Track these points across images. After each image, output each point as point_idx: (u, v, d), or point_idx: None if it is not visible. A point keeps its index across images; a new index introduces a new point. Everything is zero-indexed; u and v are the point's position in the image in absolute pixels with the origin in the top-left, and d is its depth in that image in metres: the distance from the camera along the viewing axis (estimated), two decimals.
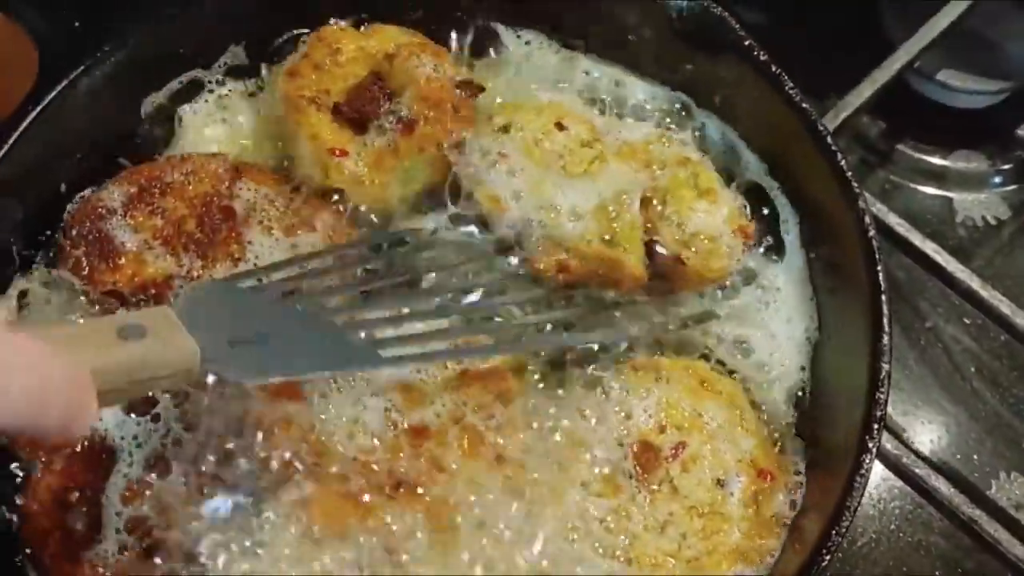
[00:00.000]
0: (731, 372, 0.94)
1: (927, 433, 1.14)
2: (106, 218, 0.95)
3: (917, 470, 0.91)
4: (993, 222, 1.27)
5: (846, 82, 1.13)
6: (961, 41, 1.23)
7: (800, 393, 0.94)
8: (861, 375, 0.85)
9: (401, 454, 0.85)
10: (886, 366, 0.84)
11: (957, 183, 1.30)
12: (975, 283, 1.01)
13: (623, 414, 0.89)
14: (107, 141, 1.00)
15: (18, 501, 0.86)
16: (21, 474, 0.87)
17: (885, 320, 0.86)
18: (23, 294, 0.94)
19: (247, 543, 0.81)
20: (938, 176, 1.31)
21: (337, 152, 0.98)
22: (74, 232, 0.95)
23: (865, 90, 1.10)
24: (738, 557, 0.84)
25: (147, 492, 0.82)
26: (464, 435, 0.86)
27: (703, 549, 0.84)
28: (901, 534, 1.08)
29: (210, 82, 1.05)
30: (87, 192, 0.98)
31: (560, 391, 0.90)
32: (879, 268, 0.88)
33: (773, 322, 0.96)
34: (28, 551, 0.85)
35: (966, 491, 0.93)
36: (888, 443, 0.91)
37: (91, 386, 0.63)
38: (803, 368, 0.94)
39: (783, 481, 0.88)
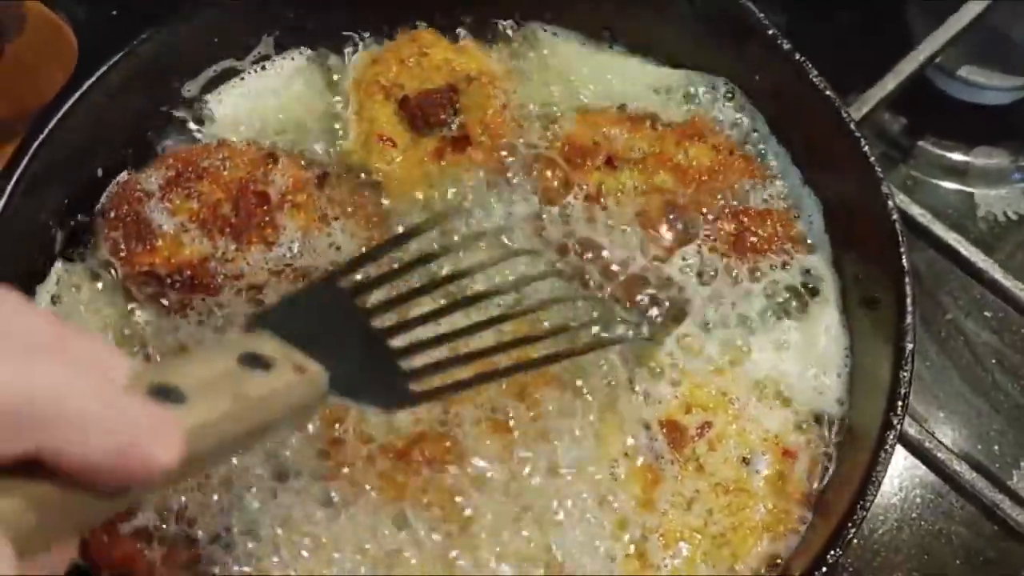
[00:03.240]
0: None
1: (948, 424, 1.14)
2: (144, 201, 0.97)
3: (939, 454, 0.92)
4: (1014, 217, 1.28)
5: (869, 78, 1.14)
6: (983, 37, 1.24)
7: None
8: (886, 356, 0.87)
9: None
10: (910, 345, 0.86)
11: (979, 179, 1.31)
12: (998, 273, 1.02)
13: (649, 395, 0.90)
14: (143, 127, 1.02)
15: None
16: None
17: (909, 300, 0.88)
18: (63, 276, 0.96)
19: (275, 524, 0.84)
20: (960, 172, 1.32)
21: (386, 139, 1.01)
22: (112, 214, 0.97)
23: (888, 84, 1.11)
24: (764, 532, 0.86)
25: None
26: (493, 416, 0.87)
27: (729, 525, 0.86)
28: (923, 522, 1.09)
29: (243, 71, 1.07)
30: (124, 175, 1.00)
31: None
32: (902, 250, 0.89)
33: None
34: None
35: (988, 478, 0.94)
36: (911, 428, 0.92)
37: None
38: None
39: (808, 459, 0.89)
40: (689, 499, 0.87)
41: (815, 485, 0.89)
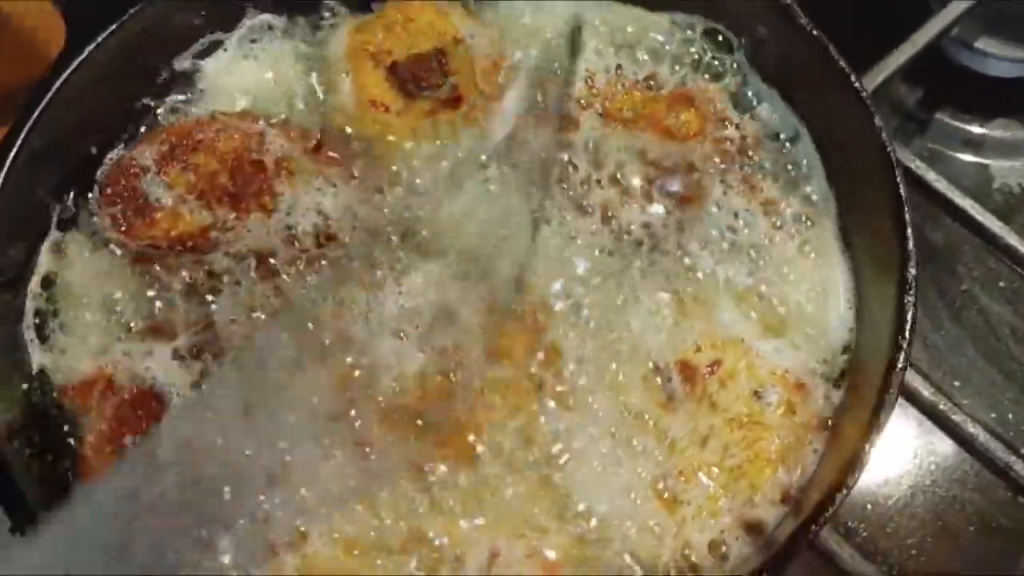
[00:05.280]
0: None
1: (962, 393, 1.15)
2: (140, 176, 0.97)
3: (954, 416, 0.92)
4: None
5: (885, 48, 1.14)
6: (1000, 9, 1.24)
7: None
8: (891, 284, 0.88)
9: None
10: (912, 271, 0.87)
11: (994, 150, 1.31)
12: (1013, 239, 1.02)
13: (657, 335, 0.92)
14: (134, 103, 1.03)
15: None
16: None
17: (908, 227, 0.89)
18: (61, 253, 0.97)
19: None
20: (976, 144, 1.32)
21: (378, 104, 1.02)
22: (109, 190, 0.97)
23: (903, 54, 1.11)
24: (779, 462, 0.87)
25: None
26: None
27: (745, 458, 0.87)
28: (937, 489, 1.09)
29: (231, 43, 1.07)
30: (119, 152, 1.00)
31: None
32: (899, 180, 0.90)
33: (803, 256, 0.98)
34: None
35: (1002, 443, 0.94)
36: (925, 390, 0.93)
37: None
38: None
39: (818, 389, 0.91)
40: (704, 435, 0.88)
41: (826, 414, 0.90)
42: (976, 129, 1.32)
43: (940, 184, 1.03)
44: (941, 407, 0.92)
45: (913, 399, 0.94)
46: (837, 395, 0.91)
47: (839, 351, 0.93)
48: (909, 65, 1.11)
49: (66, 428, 0.90)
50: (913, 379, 0.94)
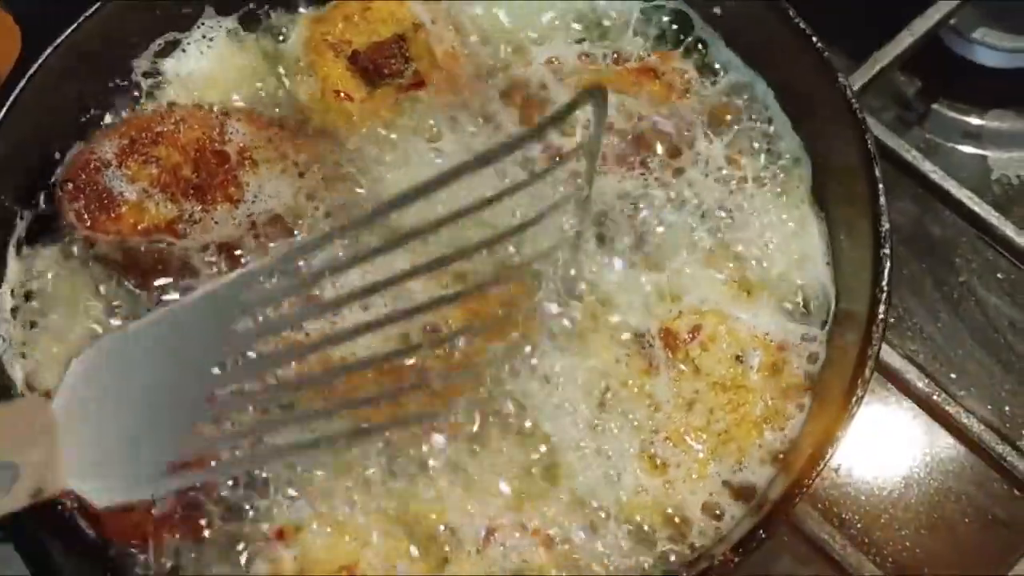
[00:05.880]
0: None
1: (959, 384, 1.14)
2: (101, 170, 0.95)
3: (948, 408, 0.92)
4: None
5: (884, 37, 1.14)
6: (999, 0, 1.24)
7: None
8: (866, 239, 0.89)
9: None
10: (886, 225, 0.87)
11: (993, 142, 1.31)
12: (1010, 230, 1.02)
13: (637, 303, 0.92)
14: (94, 104, 1.02)
15: None
16: None
17: (879, 183, 0.89)
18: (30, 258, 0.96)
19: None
20: (974, 135, 1.31)
21: (342, 94, 1.01)
22: (70, 185, 0.95)
23: (901, 43, 1.11)
24: (765, 424, 0.87)
25: None
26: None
27: (731, 421, 0.87)
28: (932, 480, 1.09)
29: (188, 41, 1.06)
30: (77, 147, 0.99)
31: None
32: (867, 137, 0.91)
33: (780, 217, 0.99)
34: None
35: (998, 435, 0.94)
36: (919, 381, 0.93)
37: None
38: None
39: (799, 349, 0.91)
40: (690, 400, 0.88)
41: (809, 373, 0.90)
42: (974, 120, 1.32)
43: (937, 175, 1.03)
44: (935, 399, 0.92)
45: (908, 391, 0.94)
46: (820, 354, 0.91)
47: (820, 310, 0.94)
48: (907, 55, 1.11)
49: None
50: (908, 371, 0.94)
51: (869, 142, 0.91)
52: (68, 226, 0.94)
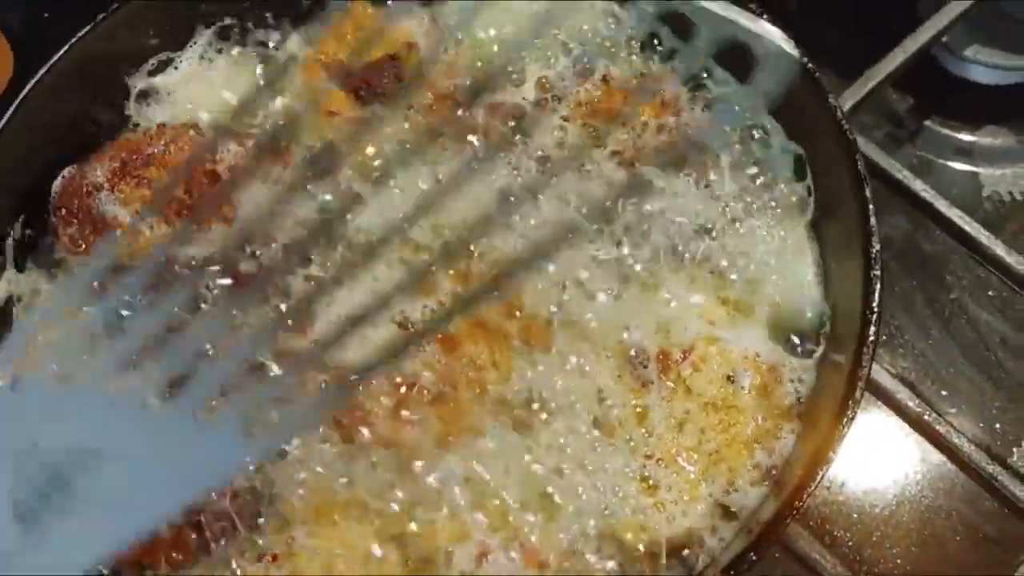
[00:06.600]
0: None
1: (950, 402, 1.15)
2: (93, 194, 0.96)
3: (938, 427, 0.92)
4: (1020, 197, 1.28)
5: (875, 55, 1.14)
6: (990, 17, 1.24)
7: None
8: (857, 259, 0.89)
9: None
10: (876, 246, 0.88)
11: (984, 159, 1.31)
12: (1001, 250, 1.02)
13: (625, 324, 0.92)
14: (87, 126, 1.02)
15: None
16: None
17: (870, 205, 0.89)
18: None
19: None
20: (965, 152, 1.32)
21: (335, 114, 1.02)
22: (63, 211, 0.95)
23: (893, 60, 1.11)
24: (755, 444, 0.88)
25: None
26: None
27: (722, 441, 0.88)
28: (923, 499, 1.09)
29: (180, 61, 1.07)
30: (69, 171, 0.99)
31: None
32: (857, 157, 0.91)
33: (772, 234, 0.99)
34: None
35: (988, 454, 0.94)
36: (911, 402, 0.93)
37: None
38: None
39: (790, 370, 0.91)
40: (680, 420, 0.89)
41: (800, 393, 0.91)
42: (966, 137, 1.32)
43: (928, 194, 1.03)
44: (927, 418, 0.92)
45: (899, 410, 0.94)
46: (811, 376, 0.91)
47: (810, 331, 0.94)
48: (899, 73, 1.11)
49: None
50: (899, 391, 0.94)
51: (860, 165, 0.91)
52: (62, 249, 0.95)
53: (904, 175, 1.03)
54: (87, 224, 0.94)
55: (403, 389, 0.87)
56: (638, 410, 0.89)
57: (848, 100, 1.06)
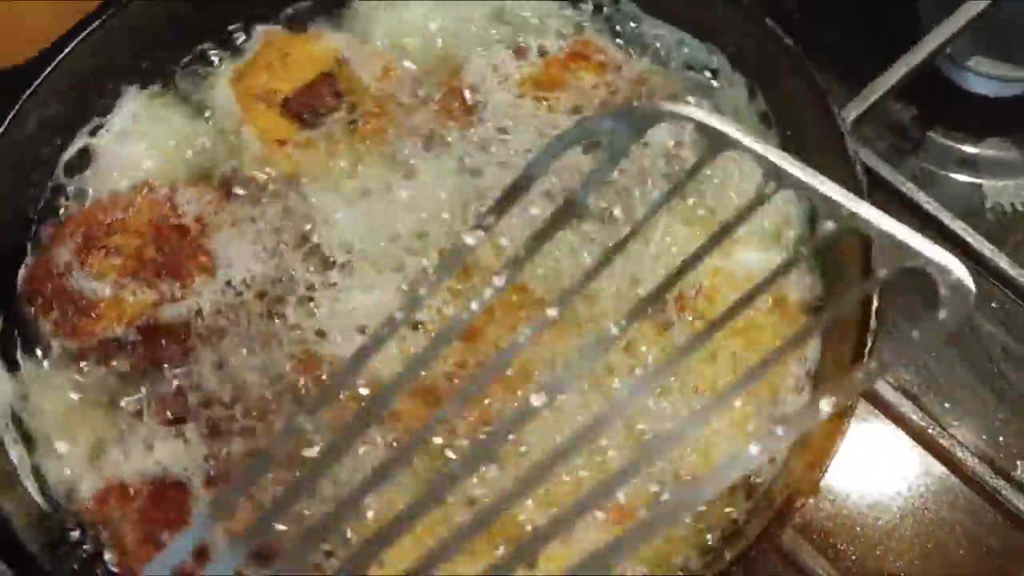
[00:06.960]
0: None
1: (953, 414, 1.14)
2: (64, 275, 0.93)
3: (943, 441, 0.92)
4: (1023, 209, 1.28)
5: (878, 67, 1.14)
6: (994, 28, 1.24)
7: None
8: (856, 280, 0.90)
9: None
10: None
11: (988, 170, 1.31)
12: (1003, 261, 1.02)
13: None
14: (35, 213, 0.99)
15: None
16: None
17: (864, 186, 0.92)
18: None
19: None
20: (969, 163, 1.32)
21: (283, 142, 1.00)
22: (40, 300, 0.92)
23: (896, 73, 1.11)
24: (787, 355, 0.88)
25: None
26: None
27: (754, 358, 0.87)
28: (927, 511, 1.09)
29: (112, 123, 1.03)
30: (30, 259, 0.96)
31: None
32: (860, 176, 0.93)
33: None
34: None
35: (991, 467, 0.94)
36: (914, 415, 0.93)
37: None
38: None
39: (800, 277, 0.95)
40: (712, 351, 0.91)
41: (815, 295, 0.94)
42: (969, 148, 1.32)
43: (930, 206, 1.03)
44: (930, 431, 0.92)
45: (902, 423, 0.94)
46: (819, 283, 0.95)
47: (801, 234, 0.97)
48: (902, 84, 1.11)
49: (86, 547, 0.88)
50: (902, 404, 0.94)
51: (862, 182, 0.92)
52: (47, 336, 0.92)
53: (907, 187, 1.03)
54: (68, 305, 0.91)
55: None
56: (668, 349, 0.90)
57: (852, 112, 1.06)
